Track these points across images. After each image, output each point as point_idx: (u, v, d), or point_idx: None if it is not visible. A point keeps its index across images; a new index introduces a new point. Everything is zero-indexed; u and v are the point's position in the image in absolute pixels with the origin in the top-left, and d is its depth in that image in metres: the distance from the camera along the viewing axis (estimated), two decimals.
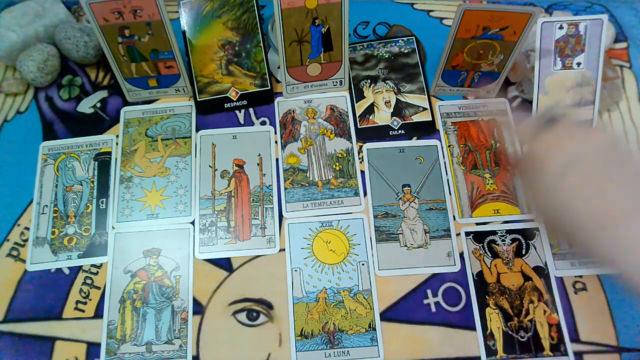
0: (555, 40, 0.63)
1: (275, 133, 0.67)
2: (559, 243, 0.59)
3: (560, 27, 0.63)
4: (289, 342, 0.56)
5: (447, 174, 0.64)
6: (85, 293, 0.58)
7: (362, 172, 0.64)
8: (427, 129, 0.67)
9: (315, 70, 0.66)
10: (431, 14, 0.76)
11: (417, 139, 0.67)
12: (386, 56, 0.71)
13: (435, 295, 0.58)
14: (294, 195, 0.63)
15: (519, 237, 0.61)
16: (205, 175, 0.64)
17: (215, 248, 0.60)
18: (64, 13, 0.70)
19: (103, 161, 0.65)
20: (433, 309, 0.57)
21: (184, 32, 0.65)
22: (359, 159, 0.65)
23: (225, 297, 0.58)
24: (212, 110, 0.68)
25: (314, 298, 0.58)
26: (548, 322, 0.56)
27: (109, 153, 0.65)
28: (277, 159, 0.65)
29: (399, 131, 0.67)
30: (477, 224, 0.62)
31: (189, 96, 0.69)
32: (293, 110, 0.68)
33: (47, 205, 0.62)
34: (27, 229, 0.61)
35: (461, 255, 0.60)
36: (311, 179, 0.64)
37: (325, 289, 0.58)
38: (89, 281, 0.59)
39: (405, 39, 0.72)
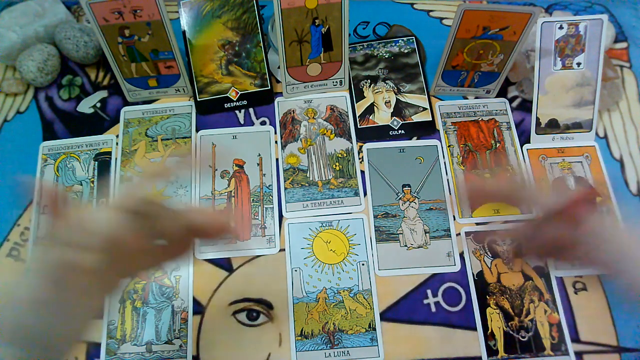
0: (555, 40, 0.63)
1: (275, 133, 0.67)
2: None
3: (560, 27, 0.63)
4: (289, 342, 0.56)
5: (447, 174, 0.64)
6: None
7: (362, 172, 0.64)
8: (427, 129, 0.67)
9: (315, 70, 0.66)
10: (431, 14, 0.76)
11: (417, 139, 0.67)
12: (386, 56, 0.71)
13: (435, 295, 0.58)
14: (294, 195, 0.63)
15: None
16: (205, 175, 0.64)
17: (215, 248, 0.60)
18: (64, 13, 0.70)
19: (103, 161, 0.65)
20: (433, 309, 0.57)
21: (184, 32, 0.65)
22: (359, 159, 0.65)
23: (225, 297, 0.58)
24: (212, 110, 0.68)
25: (314, 298, 0.58)
26: (549, 322, 0.56)
27: (109, 153, 0.65)
28: (277, 159, 0.65)
29: (399, 131, 0.67)
30: (477, 224, 0.62)
31: (189, 96, 0.69)
32: (293, 110, 0.68)
33: (47, 205, 0.62)
34: (27, 229, 0.61)
35: (461, 255, 0.60)
36: (311, 179, 0.64)
37: (325, 289, 0.58)
38: None
39: (405, 39, 0.72)
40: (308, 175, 0.64)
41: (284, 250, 0.60)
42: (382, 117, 0.67)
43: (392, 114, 0.68)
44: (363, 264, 0.59)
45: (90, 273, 0.32)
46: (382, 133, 0.67)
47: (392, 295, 0.58)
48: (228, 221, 0.37)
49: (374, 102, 0.68)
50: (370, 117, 0.67)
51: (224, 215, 0.37)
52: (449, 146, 0.66)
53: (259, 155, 0.65)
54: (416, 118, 0.67)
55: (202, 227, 0.36)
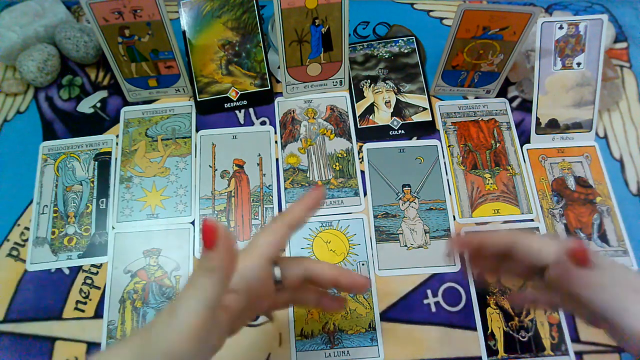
0: (555, 40, 0.63)
1: (275, 133, 0.67)
2: None
3: (560, 27, 0.63)
4: (289, 342, 0.56)
5: (447, 174, 0.64)
6: (85, 293, 0.58)
7: (362, 172, 0.64)
8: (427, 129, 0.67)
9: (315, 70, 0.66)
10: (431, 14, 0.76)
11: (417, 139, 0.67)
12: (386, 56, 0.71)
13: (435, 295, 0.58)
14: (294, 195, 0.63)
15: None
16: (205, 175, 0.64)
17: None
18: (64, 13, 0.70)
19: (103, 161, 0.65)
20: (433, 309, 0.57)
21: (184, 32, 0.65)
22: (359, 159, 0.65)
23: None
24: (212, 110, 0.68)
25: None
26: (549, 322, 0.56)
27: (109, 153, 0.65)
28: (277, 159, 0.65)
29: (399, 131, 0.67)
30: (477, 224, 0.62)
31: (189, 96, 0.69)
32: (293, 110, 0.68)
33: (47, 205, 0.62)
34: (27, 229, 0.61)
35: (461, 255, 0.60)
36: (311, 179, 0.64)
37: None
38: (89, 281, 0.58)
39: (405, 39, 0.72)
40: (308, 175, 0.64)
41: (284, 250, 0.60)
42: (382, 117, 0.67)
43: (392, 114, 0.68)
44: (363, 264, 0.59)
45: (232, 314, 0.35)
46: (382, 133, 0.67)
47: (392, 295, 0.58)
48: (347, 276, 0.40)
49: (374, 102, 0.68)
50: (370, 117, 0.67)
51: (345, 272, 0.40)
52: (449, 146, 0.66)
53: (259, 155, 0.65)
54: (416, 118, 0.67)
55: (318, 277, 0.39)
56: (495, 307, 0.57)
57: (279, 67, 0.65)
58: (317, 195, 0.39)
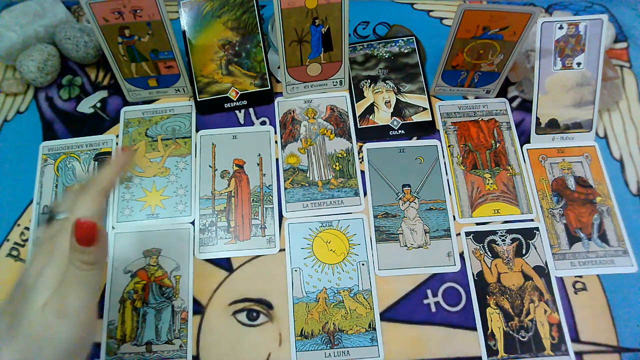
0: (555, 40, 0.63)
1: (275, 133, 0.67)
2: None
3: (560, 27, 0.63)
4: (289, 342, 0.56)
5: (447, 174, 0.64)
6: None
7: (362, 172, 0.64)
8: (427, 129, 0.67)
9: (315, 70, 0.66)
10: (431, 14, 0.76)
11: (417, 139, 0.67)
12: (386, 56, 0.71)
13: (435, 295, 0.58)
14: (294, 195, 0.63)
15: (519, 236, 0.61)
16: (205, 175, 0.64)
17: (215, 248, 0.60)
18: (64, 13, 0.71)
19: (103, 161, 0.65)
20: (433, 309, 0.57)
21: (184, 32, 0.65)
22: (359, 159, 0.65)
23: (225, 297, 0.58)
24: (212, 110, 0.68)
25: (314, 298, 0.58)
26: (549, 322, 0.56)
27: (109, 153, 0.65)
28: (277, 159, 0.65)
29: (399, 131, 0.67)
30: (477, 224, 0.62)
31: (189, 96, 0.69)
32: (293, 110, 0.68)
33: (47, 205, 0.62)
34: (27, 229, 0.61)
35: (461, 255, 0.60)
36: (311, 179, 0.64)
37: (325, 289, 0.58)
38: None
39: (405, 39, 0.72)
40: (308, 175, 0.64)
41: (284, 250, 0.60)
42: (382, 117, 0.67)
43: (392, 114, 0.68)
44: (363, 264, 0.59)
45: None
46: (382, 133, 0.67)
47: (392, 295, 0.58)
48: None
49: (374, 102, 0.68)
50: (370, 117, 0.67)
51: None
52: (449, 146, 0.66)
53: (259, 155, 0.65)
54: (416, 118, 0.67)
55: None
56: (495, 307, 0.57)
57: (279, 67, 0.65)
58: (126, 157, 0.43)
